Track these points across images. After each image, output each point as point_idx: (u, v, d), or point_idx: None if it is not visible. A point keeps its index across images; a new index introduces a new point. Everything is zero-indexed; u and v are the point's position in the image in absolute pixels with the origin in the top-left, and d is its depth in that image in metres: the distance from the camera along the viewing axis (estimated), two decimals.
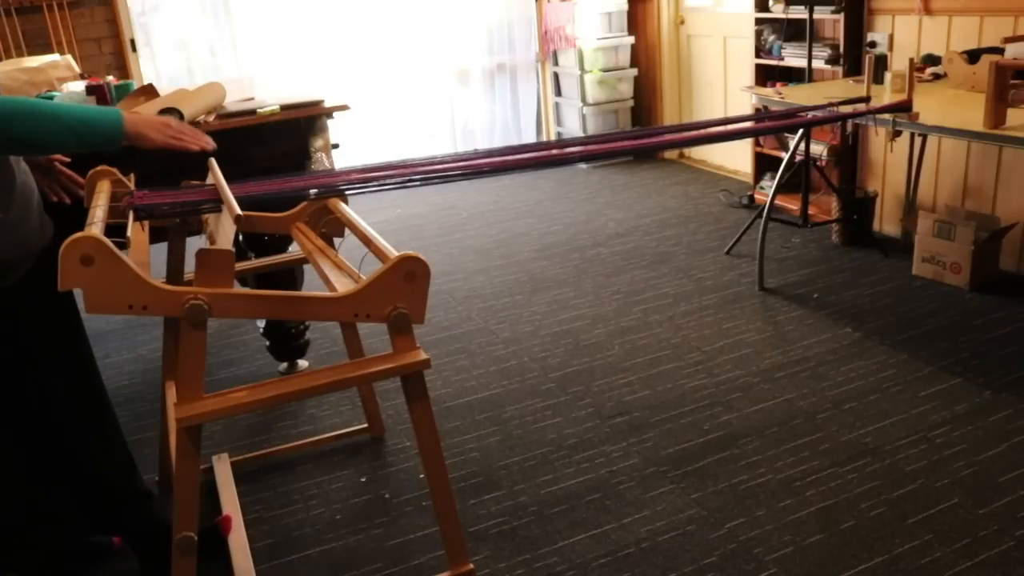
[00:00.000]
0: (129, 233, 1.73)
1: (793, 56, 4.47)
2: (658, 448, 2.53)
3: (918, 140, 3.82)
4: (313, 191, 1.99)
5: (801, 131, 3.68)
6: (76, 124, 1.60)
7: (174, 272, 2.24)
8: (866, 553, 2.03)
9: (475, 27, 6.02)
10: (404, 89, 5.93)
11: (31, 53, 4.55)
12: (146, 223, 1.91)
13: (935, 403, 2.66)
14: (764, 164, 4.85)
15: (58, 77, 3.27)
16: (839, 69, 4.19)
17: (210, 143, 1.83)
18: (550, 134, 6.48)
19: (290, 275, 2.90)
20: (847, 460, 2.40)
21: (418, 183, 2.01)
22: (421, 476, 2.46)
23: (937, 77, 3.62)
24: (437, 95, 6.06)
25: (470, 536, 2.18)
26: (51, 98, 2.79)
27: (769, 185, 4.49)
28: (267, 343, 3.14)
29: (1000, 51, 3.22)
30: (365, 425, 2.70)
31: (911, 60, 3.00)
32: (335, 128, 2.94)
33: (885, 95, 3.33)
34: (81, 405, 1.94)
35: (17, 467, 1.82)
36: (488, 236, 4.67)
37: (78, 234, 1.43)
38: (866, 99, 3.04)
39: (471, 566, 1.87)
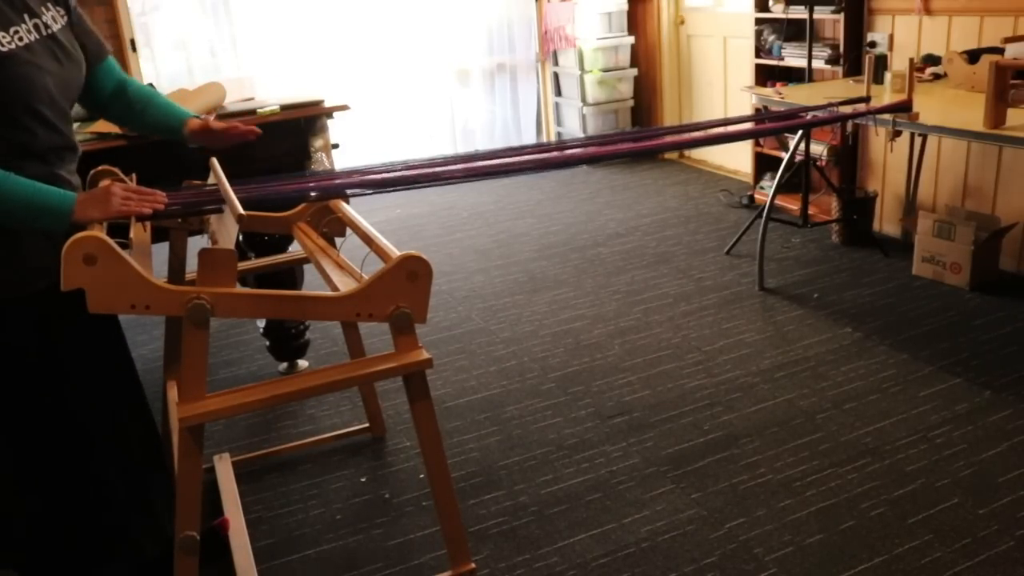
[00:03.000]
0: (131, 233, 1.74)
1: (793, 56, 4.47)
2: (658, 448, 2.53)
3: (918, 140, 3.82)
4: (313, 192, 2.00)
5: (801, 131, 3.69)
6: (20, 210, 1.53)
7: (176, 272, 2.24)
8: (866, 553, 2.03)
9: (475, 27, 6.02)
10: (404, 89, 5.93)
11: None
12: (148, 223, 1.91)
13: (935, 403, 2.66)
14: (764, 164, 4.86)
15: None
16: (839, 69, 4.20)
17: (160, 201, 1.72)
18: (550, 134, 6.48)
19: (290, 275, 2.90)
20: (847, 460, 2.40)
21: (419, 184, 2.02)
22: (421, 476, 2.46)
23: (937, 77, 3.63)
24: (437, 95, 6.06)
25: (470, 536, 2.18)
26: None
27: (769, 185, 4.49)
28: (267, 343, 3.14)
29: (1000, 51, 3.23)
30: (366, 425, 2.70)
31: (911, 60, 3.00)
32: (335, 128, 2.94)
33: (885, 95, 3.33)
34: (111, 415, 1.91)
35: (26, 469, 1.81)
36: (488, 236, 4.67)
37: (81, 233, 1.44)
38: (866, 99, 3.04)
39: (473, 565, 1.88)
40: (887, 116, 2.94)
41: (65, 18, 1.72)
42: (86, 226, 1.57)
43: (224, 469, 2.40)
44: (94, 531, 1.90)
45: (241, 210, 1.58)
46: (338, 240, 2.18)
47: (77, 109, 1.88)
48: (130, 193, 1.68)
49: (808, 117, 3.07)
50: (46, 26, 1.64)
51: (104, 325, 1.85)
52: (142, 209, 1.68)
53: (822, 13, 4.17)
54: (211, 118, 2.00)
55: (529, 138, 6.41)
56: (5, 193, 1.51)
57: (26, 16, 1.60)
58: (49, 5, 1.68)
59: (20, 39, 1.57)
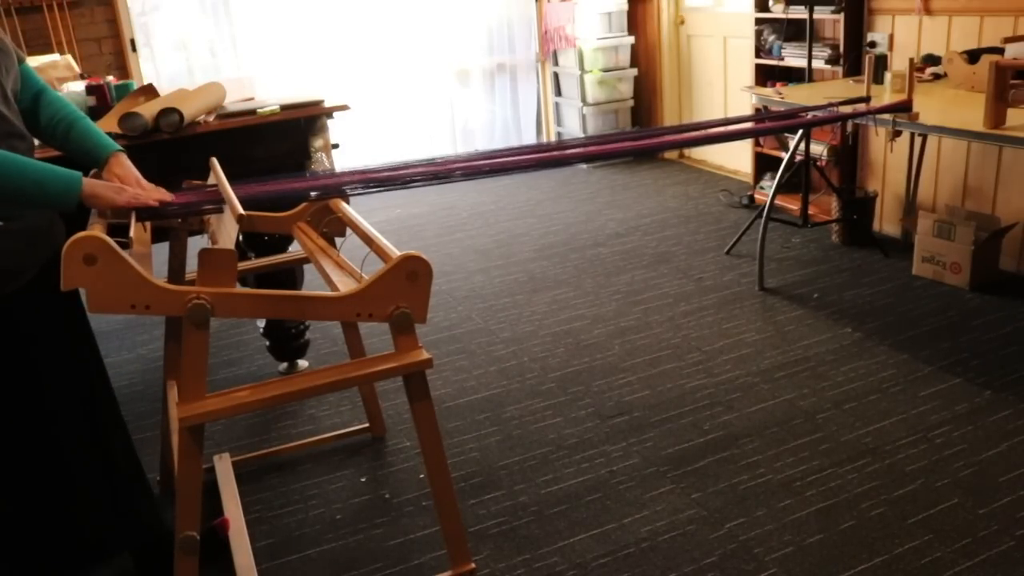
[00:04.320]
0: (131, 233, 1.74)
1: (793, 56, 4.47)
2: (658, 448, 2.53)
3: (918, 140, 3.82)
4: (314, 192, 2.00)
5: (801, 131, 3.69)
6: (29, 185, 1.55)
7: (176, 272, 2.24)
8: (866, 553, 2.03)
9: (475, 27, 6.02)
10: (404, 89, 5.93)
11: (31, 53, 4.54)
12: (148, 223, 1.91)
13: (935, 403, 2.66)
14: (764, 164, 4.85)
15: (58, 77, 3.27)
16: (839, 69, 4.20)
17: (166, 196, 1.78)
18: (550, 134, 6.48)
19: (290, 275, 2.90)
20: (847, 460, 2.40)
21: (419, 183, 2.02)
22: (421, 476, 2.46)
23: (937, 77, 3.63)
24: (437, 95, 6.06)
25: (470, 536, 2.18)
26: None
27: (769, 185, 4.49)
28: (267, 343, 3.14)
29: (1000, 51, 3.23)
30: (366, 425, 2.71)
31: (911, 60, 3.00)
32: (335, 128, 2.94)
33: (885, 95, 3.33)
34: (85, 415, 1.90)
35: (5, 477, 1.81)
36: (488, 236, 4.67)
37: (81, 233, 1.43)
38: (866, 99, 3.04)
39: (473, 565, 1.88)
40: (887, 116, 2.94)
41: None
42: (91, 210, 1.57)
43: (224, 469, 2.40)
44: (73, 531, 1.90)
45: (241, 210, 1.58)
46: (338, 240, 2.18)
47: None
48: (140, 193, 1.72)
49: (808, 117, 3.07)
50: None
51: (74, 324, 1.85)
52: (150, 201, 1.71)
53: (822, 13, 4.17)
54: (134, 174, 1.89)
55: (529, 138, 6.41)
56: (7, 171, 1.52)
57: None
58: None
59: None
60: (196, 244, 1.77)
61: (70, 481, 1.88)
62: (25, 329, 1.73)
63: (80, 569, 1.97)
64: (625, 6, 5.86)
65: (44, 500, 1.86)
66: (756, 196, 4.83)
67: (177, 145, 2.56)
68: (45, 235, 1.75)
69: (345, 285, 1.73)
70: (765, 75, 4.73)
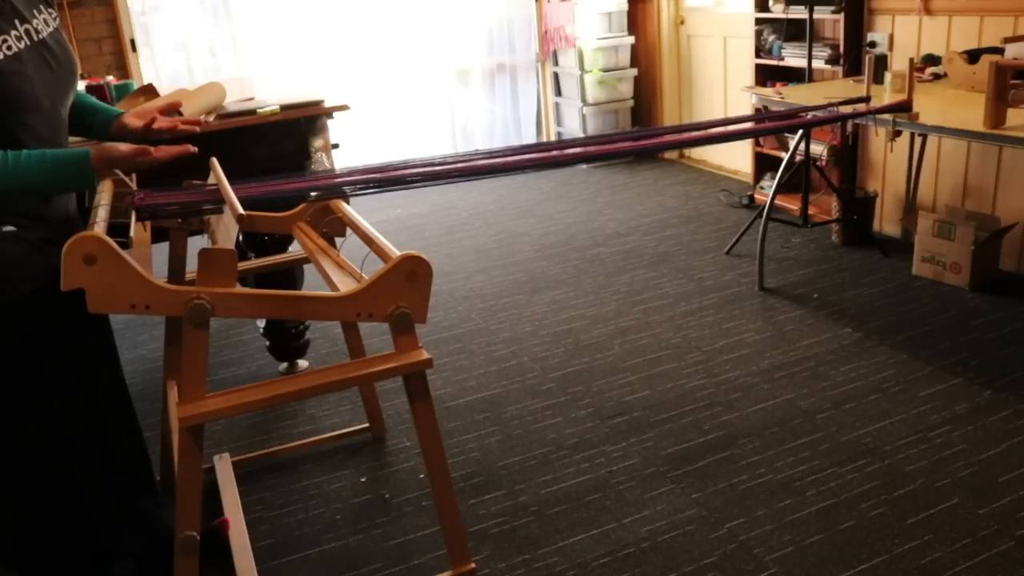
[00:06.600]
0: (131, 233, 1.74)
1: (793, 56, 4.47)
2: (658, 448, 2.53)
3: (918, 140, 3.83)
4: (313, 192, 1.99)
5: (801, 131, 3.69)
6: (48, 168, 1.55)
7: (176, 272, 2.24)
8: (866, 553, 2.03)
9: (475, 27, 6.02)
10: (404, 89, 5.93)
11: None
12: (148, 223, 1.91)
13: (935, 403, 2.66)
14: (764, 164, 4.86)
15: None
16: (839, 69, 4.20)
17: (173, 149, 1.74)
18: (550, 134, 6.48)
19: (290, 275, 2.90)
20: (847, 460, 2.40)
21: (419, 183, 2.01)
22: (421, 476, 2.46)
23: (937, 77, 3.63)
24: (437, 95, 6.06)
25: (470, 536, 2.18)
26: None
27: (769, 185, 4.49)
28: (267, 343, 3.14)
29: (1000, 51, 3.23)
30: (366, 425, 2.71)
31: (911, 60, 3.00)
32: (335, 128, 2.94)
33: (885, 95, 3.33)
34: (99, 418, 1.90)
35: (23, 468, 1.81)
36: (488, 236, 4.67)
37: (81, 233, 1.43)
38: (866, 99, 3.04)
39: (473, 565, 1.88)
40: (887, 116, 2.94)
41: (57, 20, 1.70)
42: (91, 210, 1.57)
43: (224, 469, 2.40)
44: (81, 534, 1.90)
45: (241, 210, 1.58)
46: (338, 240, 2.18)
47: None
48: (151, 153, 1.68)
49: (808, 117, 3.07)
50: (36, 31, 1.62)
51: (94, 330, 1.84)
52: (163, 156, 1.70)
53: (822, 13, 4.17)
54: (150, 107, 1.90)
55: (529, 138, 6.41)
56: (23, 173, 1.53)
57: (16, 22, 1.58)
58: (41, 8, 1.66)
59: (9, 48, 1.55)
60: (196, 244, 1.77)
61: (81, 483, 1.87)
62: (38, 329, 1.72)
63: (87, 573, 1.97)
64: (625, 6, 5.86)
65: (52, 503, 1.85)
66: (756, 196, 4.83)
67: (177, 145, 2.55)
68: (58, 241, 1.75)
69: (345, 285, 1.73)
70: (765, 75, 4.73)
